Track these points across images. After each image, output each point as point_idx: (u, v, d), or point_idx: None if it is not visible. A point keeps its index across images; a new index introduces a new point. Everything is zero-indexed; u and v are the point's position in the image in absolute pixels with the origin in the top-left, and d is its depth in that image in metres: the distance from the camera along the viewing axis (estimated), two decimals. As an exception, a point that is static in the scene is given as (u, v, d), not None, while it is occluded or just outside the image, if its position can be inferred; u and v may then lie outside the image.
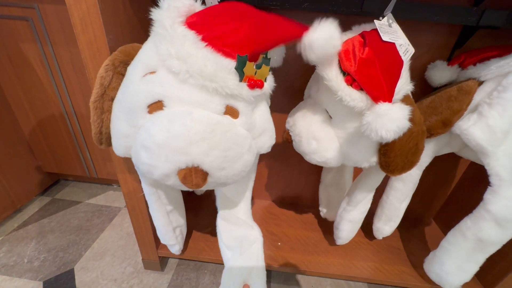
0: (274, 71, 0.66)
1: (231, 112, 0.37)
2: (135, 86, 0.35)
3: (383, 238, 0.81)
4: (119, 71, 0.38)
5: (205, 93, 0.35)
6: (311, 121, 0.50)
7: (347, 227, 0.66)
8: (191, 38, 0.33)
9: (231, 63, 0.34)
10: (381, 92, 0.40)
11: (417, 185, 0.70)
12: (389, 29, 0.45)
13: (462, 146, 0.60)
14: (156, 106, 0.35)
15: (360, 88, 0.41)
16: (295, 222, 0.87)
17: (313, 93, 0.53)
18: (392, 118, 0.37)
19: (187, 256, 0.72)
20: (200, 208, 0.90)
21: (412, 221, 0.91)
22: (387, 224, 0.73)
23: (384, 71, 0.40)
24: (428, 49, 0.64)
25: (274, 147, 0.86)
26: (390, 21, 0.45)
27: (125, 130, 0.37)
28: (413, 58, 0.66)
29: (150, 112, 0.35)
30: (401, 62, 0.42)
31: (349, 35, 0.47)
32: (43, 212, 0.97)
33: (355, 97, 0.41)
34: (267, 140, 0.45)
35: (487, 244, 0.55)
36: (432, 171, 0.80)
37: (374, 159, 0.48)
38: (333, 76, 0.42)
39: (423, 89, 0.67)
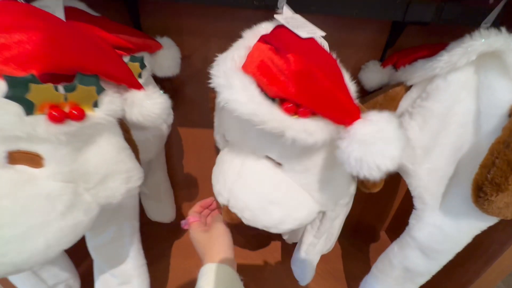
0: (186, 79, 0.53)
1: (27, 159, 0.25)
2: None
3: (328, 260, 0.72)
4: None
5: None
6: (256, 182, 0.35)
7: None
8: None
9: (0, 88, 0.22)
10: (343, 109, 0.28)
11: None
12: (297, 22, 0.35)
13: None
14: None
15: (311, 113, 0.28)
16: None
17: (237, 139, 0.37)
18: (388, 142, 0.26)
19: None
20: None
21: (362, 234, 0.84)
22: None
23: (330, 77, 0.28)
24: (358, 48, 0.56)
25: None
26: (290, 12, 0.36)
27: None
28: (343, 57, 0.58)
29: None
30: (334, 60, 0.32)
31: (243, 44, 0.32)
32: None
33: (312, 129, 0.28)
34: (117, 186, 0.31)
35: (414, 274, 0.48)
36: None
37: (353, 187, 0.39)
38: (267, 113, 0.27)
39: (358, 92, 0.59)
